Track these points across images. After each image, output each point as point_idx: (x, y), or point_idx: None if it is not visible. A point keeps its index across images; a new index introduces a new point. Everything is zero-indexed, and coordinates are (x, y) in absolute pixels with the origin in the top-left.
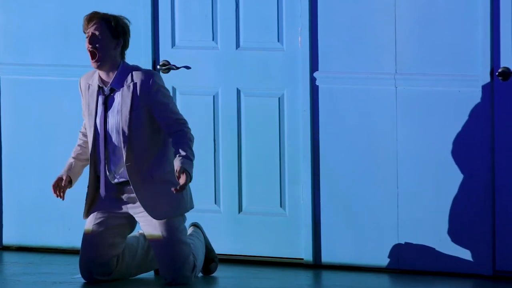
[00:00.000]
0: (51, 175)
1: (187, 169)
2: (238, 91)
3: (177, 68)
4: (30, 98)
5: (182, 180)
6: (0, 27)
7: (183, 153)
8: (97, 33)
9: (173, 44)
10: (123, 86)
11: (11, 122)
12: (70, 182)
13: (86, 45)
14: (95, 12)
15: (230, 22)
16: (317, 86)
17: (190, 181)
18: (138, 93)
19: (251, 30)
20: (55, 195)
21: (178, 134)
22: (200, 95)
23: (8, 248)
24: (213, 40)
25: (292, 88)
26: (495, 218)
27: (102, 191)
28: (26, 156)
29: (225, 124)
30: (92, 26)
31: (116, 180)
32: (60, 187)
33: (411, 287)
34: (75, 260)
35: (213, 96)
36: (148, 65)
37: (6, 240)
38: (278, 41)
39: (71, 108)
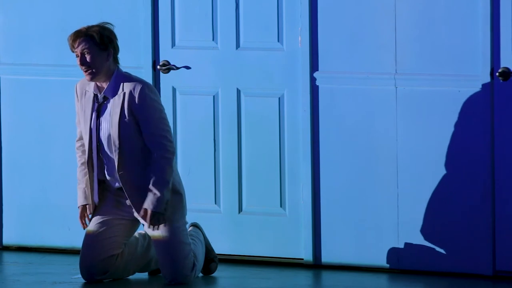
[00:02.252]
0: (52, 175)
1: (152, 209)
2: (238, 91)
3: (177, 68)
4: (30, 98)
5: (151, 223)
6: (0, 27)
7: (154, 190)
8: (85, 52)
9: (173, 44)
10: (115, 94)
11: (11, 122)
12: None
13: (77, 62)
14: (77, 31)
15: (230, 22)
16: (317, 86)
17: (164, 211)
18: (126, 103)
19: (251, 30)
20: (83, 226)
21: (156, 157)
22: (200, 95)
23: (8, 248)
24: (213, 40)
25: (292, 88)
26: (495, 218)
27: (95, 197)
28: (26, 156)
29: (225, 124)
30: (78, 46)
31: (117, 185)
32: (87, 216)
33: (411, 287)
34: (75, 260)
35: (213, 96)
36: (148, 65)
37: (6, 240)
38: (278, 41)
39: (71, 108)
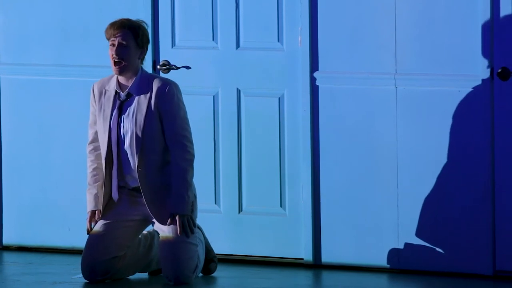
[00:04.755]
0: (52, 175)
1: (179, 212)
2: (238, 91)
3: (177, 68)
4: (30, 98)
5: (182, 227)
6: (0, 27)
7: (177, 192)
8: (124, 43)
9: (173, 44)
10: (140, 92)
11: (11, 122)
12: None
13: (109, 52)
14: (121, 21)
15: (230, 22)
16: (317, 86)
17: (191, 213)
18: (153, 100)
19: (251, 30)
20: (88, 231)
21: (176, 158)
22: (200, 95)
23: (8, 248)
24: (213, 40)
25: (292, 88)
26: (495, 218)
27: (114, 194)
28: (26, 156)
29: (225, 124)
30: (119, 35)
31: (133, 184)
32: (94, 221)
33: (411, 287)
34: (75, 260)
35: (213, 96)
36: (148, 65)
37: (6, 240)
38: (278, 41)
39: (71, 108)
